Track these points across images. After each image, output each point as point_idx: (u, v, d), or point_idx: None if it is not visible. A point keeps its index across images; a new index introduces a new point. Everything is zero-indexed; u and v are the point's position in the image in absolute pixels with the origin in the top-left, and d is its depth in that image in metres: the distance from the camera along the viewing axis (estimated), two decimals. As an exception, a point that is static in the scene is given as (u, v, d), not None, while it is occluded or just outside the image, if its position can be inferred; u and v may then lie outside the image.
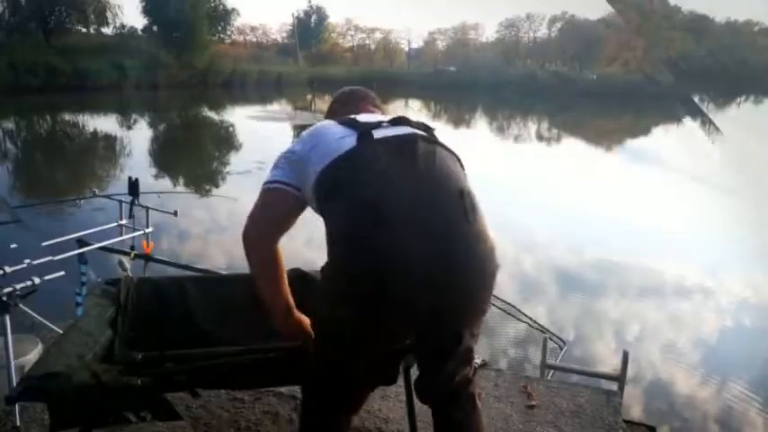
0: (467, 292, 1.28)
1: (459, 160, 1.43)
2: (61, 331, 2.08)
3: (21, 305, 2.00)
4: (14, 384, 1.78)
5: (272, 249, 1.39)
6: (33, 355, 2.10)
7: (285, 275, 1.44)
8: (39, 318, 2.29)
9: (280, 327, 1.48)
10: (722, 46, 39.63)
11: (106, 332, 1.73)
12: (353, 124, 1.39)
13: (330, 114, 1.64)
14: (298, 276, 1.90)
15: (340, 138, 1.34)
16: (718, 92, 29.79)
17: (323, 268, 1.38)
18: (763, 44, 41.83)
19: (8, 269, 1.97)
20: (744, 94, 29.93)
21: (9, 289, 1.88)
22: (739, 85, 31.24)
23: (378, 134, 1.34)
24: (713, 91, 30.14)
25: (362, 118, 1.43)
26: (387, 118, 1.45)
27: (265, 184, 1.40)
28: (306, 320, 1.49)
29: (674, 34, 45.95)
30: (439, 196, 1.27)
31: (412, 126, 1.42)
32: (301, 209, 1.41)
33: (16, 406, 1.88)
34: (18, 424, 1.90)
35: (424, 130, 1.42)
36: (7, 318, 1.91)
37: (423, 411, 1.55)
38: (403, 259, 1.18)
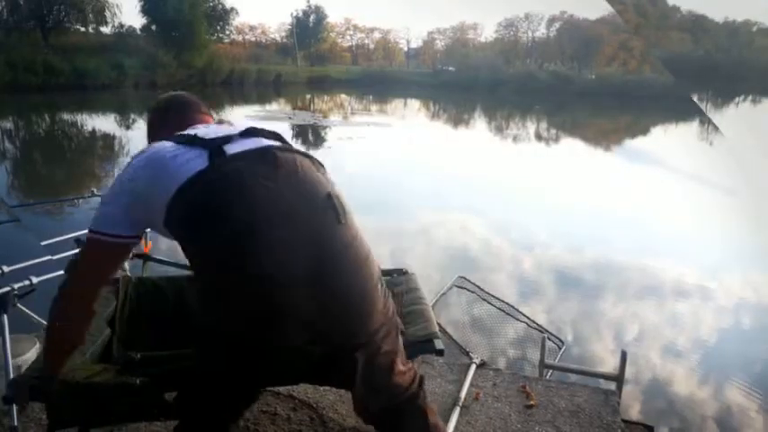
0: (351, 298, 1.24)
1: (321, 165, 1.37)
2: None
3: (19, 305, 2.00)
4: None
5: (91, 309, 1.33)
6: (31, 354, 2.10)
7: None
8: (37, 317, 2.29)
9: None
10: (720, 46, 39.69)
11: (104, 331, 1.73)
12: (197, 142, 1.26)
13: (153, 132, 1.46)
14: None
15: (186, 161, 1.21)
16: (717, 92, 29.84)
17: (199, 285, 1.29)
18: (761, 44, 41.89)
19: (6, 269, 1.97)
20: (742, 93, 29.97)
21: (7, 288, 1.88)
22: (737, 84, 31.30)
23: (230, 149, 1.25)
24: (711, 91, 30.19)
25: (204, 133, 1.31)
26: (235, 130, 1.33)
27: (92, 231, 1.24)
28: None
29: (672, 34, 46.11)
30: (307, 205, 1.23)
31: (265, 137, 1.33)
32: (130, 252, 1.32)
33: (14, 406, 1.88)
34: (15, 424, 1.90)
35: (276, 140, 1.35)
36: (5, 317, 1.90)
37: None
38: (283, 282, 1.15)
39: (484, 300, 3.39)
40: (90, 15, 31.26)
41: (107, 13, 31.88)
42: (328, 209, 1.25)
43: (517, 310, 3.40)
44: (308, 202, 1.24)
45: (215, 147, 1.24)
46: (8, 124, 16.64)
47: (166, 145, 1.27)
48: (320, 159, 1.38)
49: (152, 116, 1.52)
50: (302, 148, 1.37)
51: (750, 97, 29.64)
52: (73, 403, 1.59)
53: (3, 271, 1.96)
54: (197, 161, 1.21)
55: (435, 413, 1.48)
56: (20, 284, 1.91)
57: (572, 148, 17.74)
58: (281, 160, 1.26)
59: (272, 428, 2.04)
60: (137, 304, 1.87)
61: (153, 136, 1.42)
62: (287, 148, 1.33)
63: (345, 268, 1.23)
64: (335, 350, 1.27)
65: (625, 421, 2.36)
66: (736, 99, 28.90)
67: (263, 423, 2.06)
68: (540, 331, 3.26)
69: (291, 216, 1.19)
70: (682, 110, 26.73)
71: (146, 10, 32.80)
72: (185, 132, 1.32)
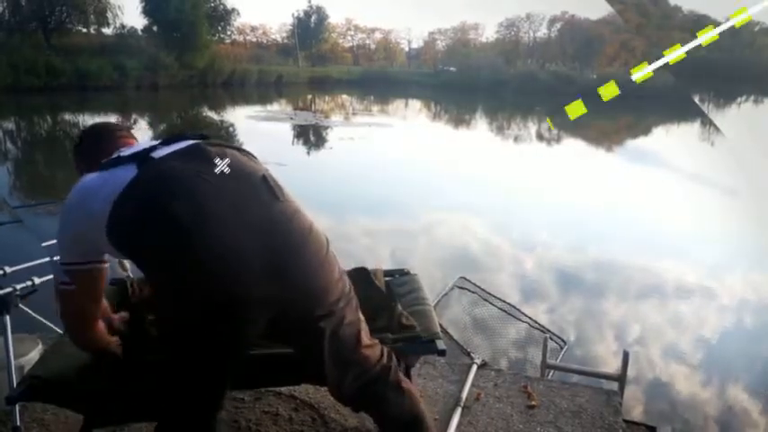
0: (306, 268, 1.29)
1: (251, 154, 1.42)
2: (61, 331, 2.08)
3: (21, 305, 2.00)
4: (15, 384, 1.78)
5: (97, 337, 1.45)
6: (34, 355, 2.11)
7: (104, 332, 1.48)
8: (39, 318, 2.29)
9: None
10: (722, 46, 39.55)
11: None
12: (122, 161, 1.29)
13: (82, 165, 1.47)
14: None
15: (117, 177, 1.24)
16: (718, 92, 29.80)
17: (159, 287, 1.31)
18: (763, 44, 41.81)
19: (8, 269, 1.98)
20: (744, 94, 29.91)
21: (9, 289, 1.89)
22: (740, 84, 31.24)
23: (158, 154, 1.28)
24: (713, 91, 30.14)
25: (128, 151, 1.35)
26: (157, 141, 1.37)
27: (65, 265, 1.32)
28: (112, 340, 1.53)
29: (674, 34, 46.04)
30: (246, 190, 1.27)
31: (191, 138, 1.37)
32: (97, 276, 1.36)
33: (17, 406, 1.88)
34: (18, 424, 1.90)
35: (202, 139, 1.38)
36: (7, 318, 1.91)
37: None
38: (239, 269, 1.18)
39: (485, 300, 3.38)
40: (92, 16, 31.31)
41: (109, 14, 31.94)
42: (266, 190, 1.30)
43: (518, 310, 3.39)
44: (247, 187, 1.28)
45: (142, 156, 1.28)
46: (10, 125, 16.66)
47: (93, 175, 1.30)
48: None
49: (76, 151, 1.55)
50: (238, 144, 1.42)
51: (752, 97, 29.57)
52: (75, 403, 1.59)
53: (5, 271, 1.97)
54: (127, 174, 1.24)
55: (411, 384, 1.53)
56: (22, 285, 1.92)
57: (573, 148, 17.72)
58: (212, 154, 1.30)
59: (273, 429, 2.04)
60: (140, 305, 1.87)
61: (81, 169, 1.44)
62: (215, 142, 1.37)
63: (294, 241, 1.28)
64: (300, 323, 1.32)
65: (627, 421, 2.36)
66: (738, 99, 28.84)
67: (265, 423, 2.06)
68: (541, 331, 3.26)
69: (234, 204, 1.23)
70: (683, 109, 26.70)
71: (147, 11, 32.80)
72: (109, 158, 1.35)
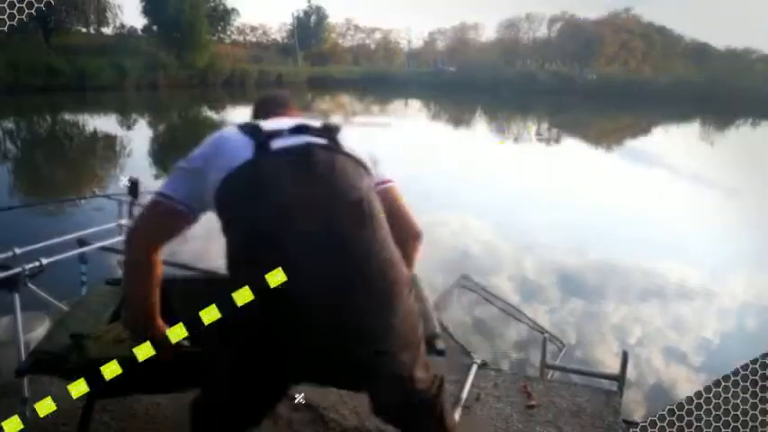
0: (367, 308, 1.23)
1: (363, 166, 1.37)
2: (66, 308, 2.16)
3: (29, 284, 2.09)
4: (23, 358, 1.85)
5: (146, 261, 1.35)
6: (41, 330, 2.24)
7: (156, 287, 1.38)
8: (46, 296, 2.37)
9: (136, 335, 1.43)
10: (721, 72, 40.21)
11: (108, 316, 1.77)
12: (253, 132, 1.33)
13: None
14: None
15: (238, 148, 1.29)
16: (718, 115, 29.92)
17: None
18: (760, 70, 42.51)
19: (18, 250, 2.10)
20: (742, 117, 30.02)
21: (18, 269, 1.98)
22: (738, 108, 31.42)
23: (276, 144, 1.29)
24: (713, 114, 30.28)
25: (266, 124, 1.38)
26: (287, 124, 1.38)
27: (155, 193, 1.36)
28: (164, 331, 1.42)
29: (676, 61, 46.90)
30: (335, 208, 1.24)
31: (312, 134, 1.36)
32: (188, 223, 1.36)
33: (25, 378, 1.98)
34: (27, 395, 2.00)
35: (326, 136, 1.36)
36: (17, 296, 2.00)
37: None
38: (303, 289, 1.16)
39: (486, 300, 3.39)
40: (91, 16, 31.35)
41: (108, 14, 32.03)
42: (355, 216, 1.25)
43: (519, 310, 3.40)
44: (335, 204, 1.24)
45: (262, 140, 1.30)
46: (10, 125, 16.66)
47: (231, 130, 1.36)
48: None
49: (252, 116, 1.66)
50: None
51: (750, 120, 29.62)
52: (80, 375, 1.61)
53: (15, 253, 2.08)
54: (245, 151, 1.28)
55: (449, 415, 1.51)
56: (31, 265, 2.01)
57: (573, 147, 17.74)
58: (319, 161, 1.29)
59: (273, 429, 2.04)
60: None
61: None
62: (330, 147, 1.34)
63: (362, 280, 1.22)
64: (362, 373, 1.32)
65: (626, 422, 2.36)
66: (737, 122, 28.91)
67: (264, 424, 2.05)
68: (540, 332, 3.27)
69: (314, 218, 1.21)
70: (683, 109, 26.74)
71: (147, 10, 32.83)
72: (253, 122, 1.40)
